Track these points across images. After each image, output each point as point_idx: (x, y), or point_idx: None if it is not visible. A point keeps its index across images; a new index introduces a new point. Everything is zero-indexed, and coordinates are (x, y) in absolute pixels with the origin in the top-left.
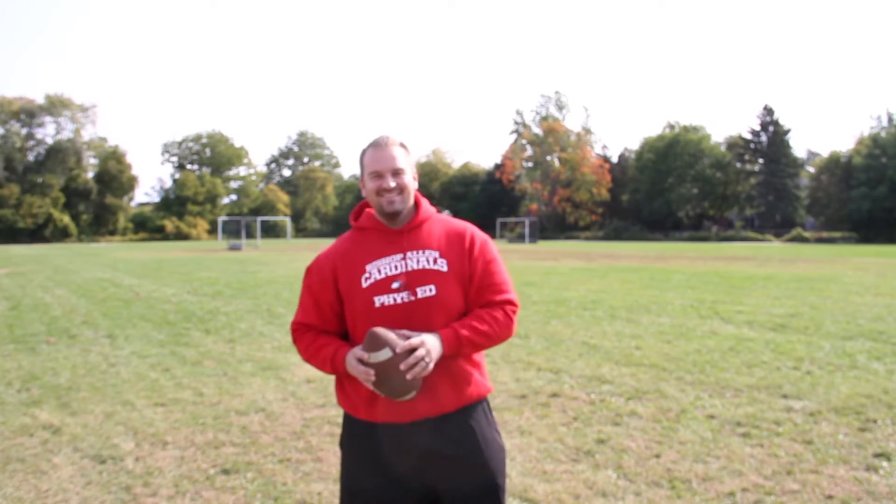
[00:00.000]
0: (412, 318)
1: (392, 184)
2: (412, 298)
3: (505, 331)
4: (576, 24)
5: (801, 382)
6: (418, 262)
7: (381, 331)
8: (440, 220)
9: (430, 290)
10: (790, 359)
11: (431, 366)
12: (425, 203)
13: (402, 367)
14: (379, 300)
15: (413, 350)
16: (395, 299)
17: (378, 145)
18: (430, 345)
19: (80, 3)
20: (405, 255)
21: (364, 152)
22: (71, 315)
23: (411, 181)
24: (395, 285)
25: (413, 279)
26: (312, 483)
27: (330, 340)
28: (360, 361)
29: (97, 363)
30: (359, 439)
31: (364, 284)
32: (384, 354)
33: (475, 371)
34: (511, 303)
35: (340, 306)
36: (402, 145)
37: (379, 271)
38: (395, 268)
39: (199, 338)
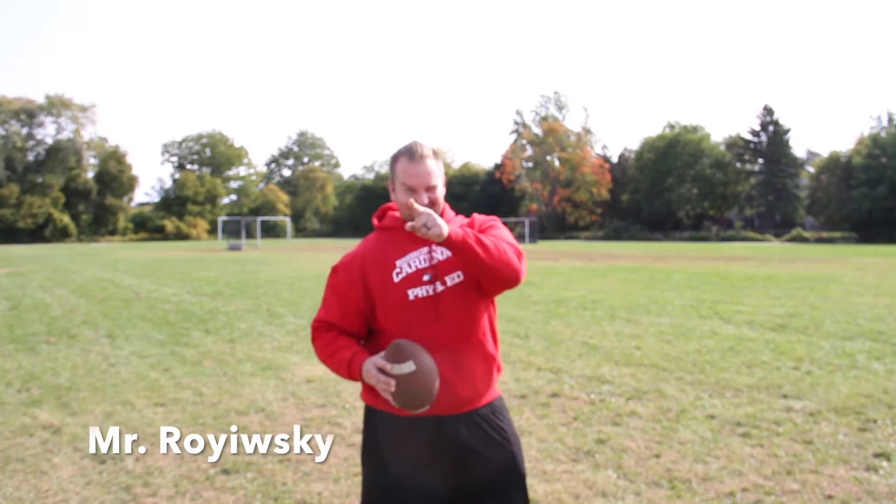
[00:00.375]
0: (445, 306)
1: (425, 200)
2: (443, 287)
3: (509, 255)
4: (576, 24)
5: (801, 382)
6: (443, 253)
7: (407, 343)
8: (457, 220)
9: (459, 277)
10: (790, 359)
11: (432, 229)
12: (447, 207)
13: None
14: (413, 293)
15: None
16: (427, 291)
17: (413, 157)
18: (435, 216)
19: (80, 3)
20: (431, 248)
21: (397, 159)
22: (71, 315)
23: (441, 191)
24: (426, 277)
25: (441, 269)
26: (312, 483)
27: (349, 343)
28: (382, 371)
29: (97, 363)
30: (393, 435)
31: (396, 279)
32: (408, 367)
33: (496, 367)
34: (513, 245)
35: (367, 305)
36: (435, 154)
37: (409, 265)
38: (424, 261)
39: (199, 338)
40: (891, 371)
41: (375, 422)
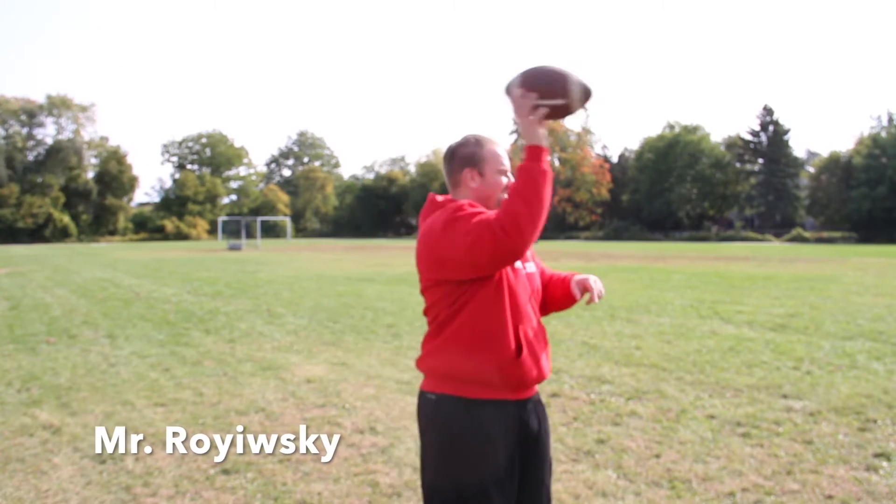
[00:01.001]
0: (534, 285)
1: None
2: (532, 270)
3: None
4: (575, 24)
5: (801, 382)
6: None
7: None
8: None
9: (534, 267)
10: (790, 359)
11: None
12: None
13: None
14: (524, 267)
15: None
16: (526, 268)
17: (496, 143)
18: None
19: (80, 3)
20: None
21: (483, 144)
22: (71, 315)
23: None
24: None
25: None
26: (312, 483)
27: None
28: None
29: (97, 363)
30: (483, 423)
31: None
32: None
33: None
34: None
35: None
36: None
37: None
38: None
39: (199, 338)
40: (891, 371)
41: (463, 414)
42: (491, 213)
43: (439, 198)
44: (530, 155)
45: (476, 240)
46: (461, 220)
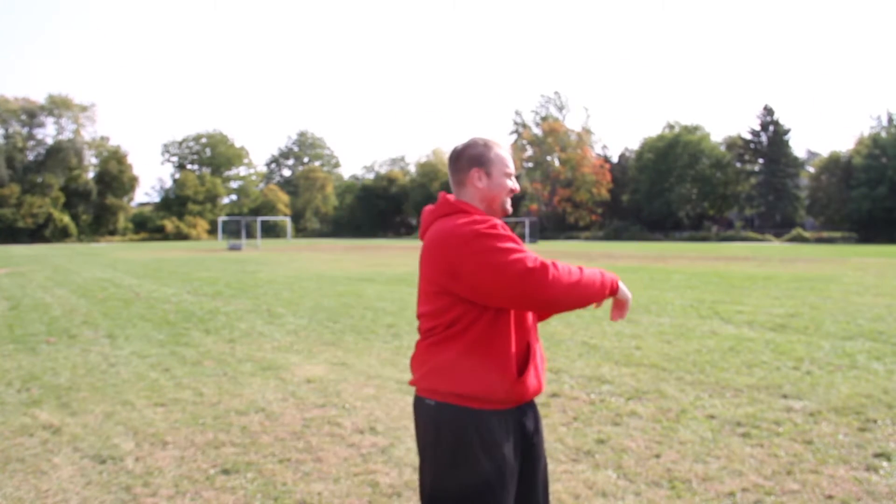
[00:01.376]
0: None
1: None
2: None
3: None
4: (576, 24)
5: (801, 382)
6: None
7: None
8: None
9: None
10: (790, 359)
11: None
12: None
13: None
14: None
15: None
16: None
17: (503, 146)
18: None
19: (80, 3)
20: None
21: (491, 147)
22: (71, 315)
23: None
24: None
25: None
26: (312, 483)
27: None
28: None
29: (97, 363)
30: (484, 436)
31: None
32: None
33: None
34: None
35: None
36: None
37: None
38: None
39: (199, 338)
40: (891, 371)
41: (475, 423)
42: (528, 251)
43: (452, 198)
44: (612, 281)
45: (522, 273)
46: (499, 246)
